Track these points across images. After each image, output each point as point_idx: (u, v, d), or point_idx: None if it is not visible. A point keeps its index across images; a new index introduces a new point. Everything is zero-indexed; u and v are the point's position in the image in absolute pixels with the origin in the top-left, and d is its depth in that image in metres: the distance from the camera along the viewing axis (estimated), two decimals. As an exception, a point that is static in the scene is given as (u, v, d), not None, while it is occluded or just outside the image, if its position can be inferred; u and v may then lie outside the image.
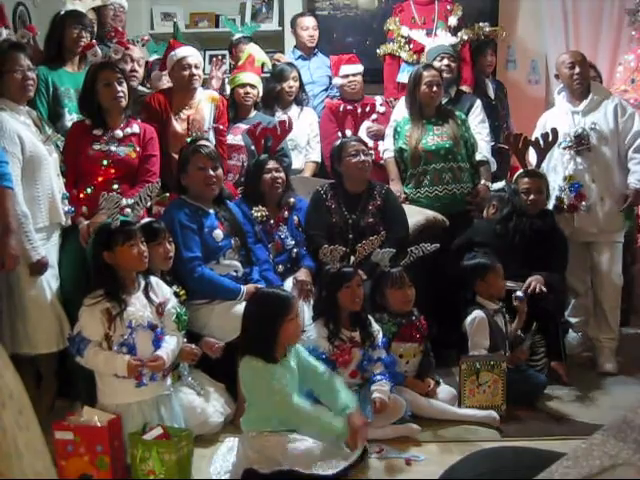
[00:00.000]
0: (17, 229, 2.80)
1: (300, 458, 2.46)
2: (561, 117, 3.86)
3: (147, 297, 2.72)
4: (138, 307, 2.67)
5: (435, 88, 3.89)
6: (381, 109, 4.41)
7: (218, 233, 3.25)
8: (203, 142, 3.41)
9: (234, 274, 3.24)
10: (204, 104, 3.84)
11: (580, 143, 3.73)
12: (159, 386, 2.70)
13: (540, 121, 4.00)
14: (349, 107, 4.04)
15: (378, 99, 4.54)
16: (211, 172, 3.27)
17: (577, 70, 3.78)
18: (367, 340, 2.99)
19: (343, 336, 2.97)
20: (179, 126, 3.73)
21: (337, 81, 4.57)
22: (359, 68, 4.53)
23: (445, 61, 4.24)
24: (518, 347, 3.30)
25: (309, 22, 4.90)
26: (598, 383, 3.56)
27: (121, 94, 3.25)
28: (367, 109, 3.94)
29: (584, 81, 3.81)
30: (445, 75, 4.12)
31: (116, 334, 2.60)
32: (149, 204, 3.05)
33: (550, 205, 3.80)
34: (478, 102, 4.24)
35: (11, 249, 2.75)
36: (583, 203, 3.75)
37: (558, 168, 3.84)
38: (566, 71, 3.82)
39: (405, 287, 3.17)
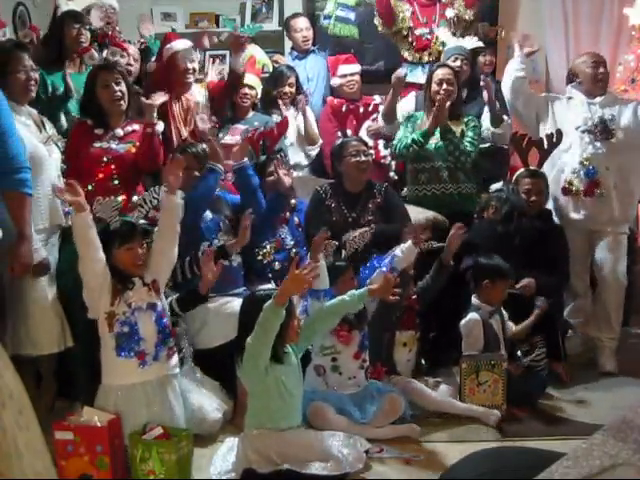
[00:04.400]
0: (30, 237, 2.79)
1: (299, 458, 2.46)
2: (577, 105, 3.86)
3: (140, 278, 2.72)
4: (135, 288, 2.68)
5: (445, 86, 3.87)
6: (381, 108, 4.40)
7: (206, 214, 3.30)
8: (192, 142, 3.49)
9: (227, 264, 3.23)
10: (196, 90, 3.91)
11: (605, 128, 3.72)
12: (163, 366, 2.70)
13: (541, 103, 3.98)
14: (352, 106, 4.03)
15: (377, 98, 4.54)
16: (196, 173, 3.33)
17: (601, 70, 3.83)
18: (363, 321, 3.01)
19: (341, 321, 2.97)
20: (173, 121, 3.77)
21: (335, 81, 4.58)
22: (357, 68, 4.55)
23: (458, 62, 4.22)
24: (514, 362, 3.26)
25: (301, 23, 4.89)
26: (598, 383, 3.56)
27: (119, 94, 3.28)
28: (370, 108, 3.94)
29: (606, 82, 3.87)
30: None
31: (119, 313, 2.62)
32: (155, 204, 3.05)
33: (558, 188, 3.80)
34: (487, 109, 4.21)
35: (22, 257, 2.72)
36: (597, 191, 3.74)
37: (574, 150, 3.80)
38: (589, 71, 3.84)
39: (408, 282, 3.20)
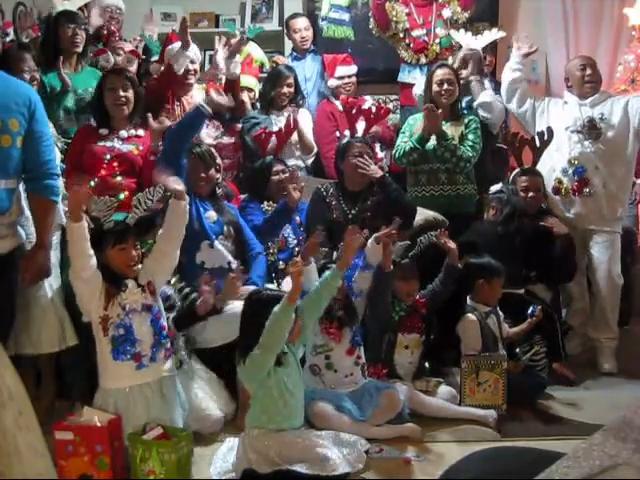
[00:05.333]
0: (49, 245, 2.79)
1: (299, 458, 2.46)
2: (568, 107, 3.89)
3: (135, 280, 2.70)
4: (129, 289, 2.67)
5: (446, 86, 3.87)
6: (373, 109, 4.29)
7: (211, 214, 3.29)
8: (197, 143, 3.47)
9: (227, 267, 3.23)
10: (197, 94, 3.91)
11: (593, 127, 3.74)
12: (160, 368, 2.69)
13: (539, 104, 4.00)
14: (364, 107, 4.02)
15: (368, 99, 4.53)
16: (202, 174, 3.34)
17: (588, 72, 3.84)
18: (352, 317, 3.02)
19: (329, 318, 2.98)
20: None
21: (332, 82, 4.57)
22: (353, 69, 4.56)
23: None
24: (513, 361, 3.27)
25: (300, 24, 4.89)
26: (598, 383, 3.57)
27: (123, 99, 3.31)
28: (381, 111, 3.94)
29: (595, 84, 3.85)
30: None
31: (113, 316, 2.61)
32: (149, 206, 3.05)
33: (549, 187, 3.85)
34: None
35: (37, 264, 2.71)
36: (586, 189, 3.76)
37: (562, 149, 3.84)
38: (578, 73, 3.87)
39: (411, 280, 3.22)
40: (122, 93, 3.31)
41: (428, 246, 3.38)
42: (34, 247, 2.72)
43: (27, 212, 2.86)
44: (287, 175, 3.63)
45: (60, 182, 2.83)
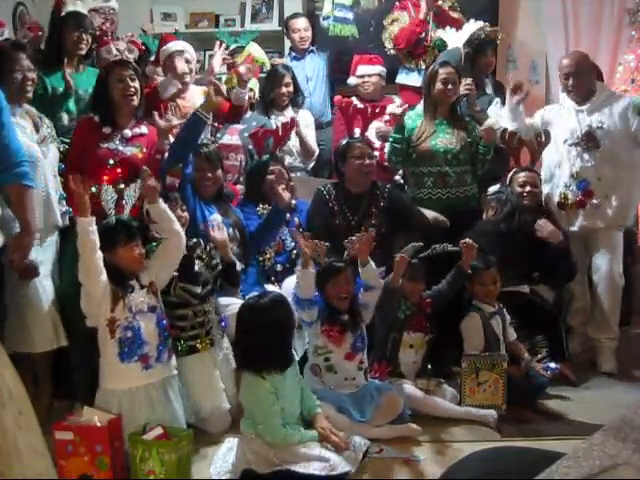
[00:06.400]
0: (33, 229, 2.78)
1: (298, 458, 2.47)
2: (565, 115, 3.85)
3: (137, 281, 2.71)
4: (135, 291, 2.68)
5: (450, 86, 3.85)
6: (397, 110, 4.06)
7: (216, 217, 3.27)
8: (205, 142, 3.45)
9: None
10: (197, 98, 3.86)
11: (590, 139, 3.70)
12: (165, 368, 2.71)
13: (538, 114, 3.99)
14: (360, 106, 4.01)
15: (396, 100, 4.50)
16: (209, 174, 3.32)
17: (571, 82, 3.74)
18: (357, 322, 3.00)
19: (332, 322, 2.97)
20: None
21: (352, 80, 4.58)
22: (376, 69, 4.51)
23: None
24: (516, 364, 3.27)
25: (300, 24, 4.88)
26: (598, 383, 3.56)
27: (132, 90, 3.24)
28: (377, 110, 3.92)
29: (580, 91, 3.76)
30: None
31: (121, 318, 2.61)
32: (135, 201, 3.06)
33: (554, 204, 3.83)
34: (497, 99, 4.29)
35: (23, 248, 2.70)
36: (594, 201, 3.73)
37: (564, 164, 3.82)
38: (562, 80, 3.82)
39: (418, 281, 3.22)
40: (131, 83, 3.24)
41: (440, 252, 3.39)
42: (21, 232, 2.72)
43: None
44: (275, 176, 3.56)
45: (57, 181, 2.82)
